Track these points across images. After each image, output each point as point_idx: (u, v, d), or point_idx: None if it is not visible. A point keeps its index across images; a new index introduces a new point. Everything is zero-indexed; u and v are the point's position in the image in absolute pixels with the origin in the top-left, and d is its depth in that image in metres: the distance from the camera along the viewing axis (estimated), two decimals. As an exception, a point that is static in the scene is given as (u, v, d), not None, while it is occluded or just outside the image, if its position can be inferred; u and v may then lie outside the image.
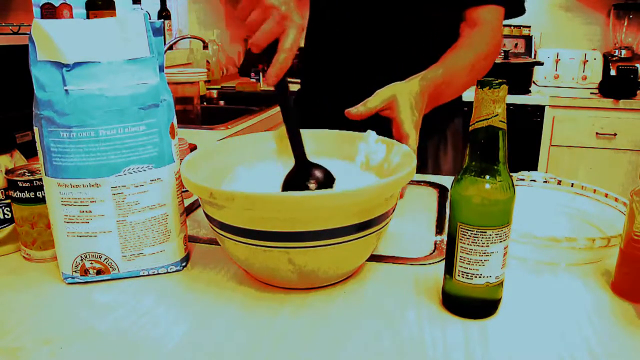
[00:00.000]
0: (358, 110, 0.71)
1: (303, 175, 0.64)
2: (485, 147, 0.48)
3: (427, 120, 0.81)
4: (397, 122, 0.70)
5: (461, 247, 0.49)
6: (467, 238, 0.49)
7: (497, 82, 0.46)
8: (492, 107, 0.46)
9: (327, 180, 0.64)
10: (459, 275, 0.50)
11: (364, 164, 0.68)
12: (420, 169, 1.02)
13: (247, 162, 0.70)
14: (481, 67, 0.91)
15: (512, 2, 0.98)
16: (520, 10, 1.01)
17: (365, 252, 0.57)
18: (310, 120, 0.77)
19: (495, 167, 0.48)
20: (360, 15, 0.99)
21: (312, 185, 0.63)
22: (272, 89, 0.64)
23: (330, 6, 1.04)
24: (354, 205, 0.51)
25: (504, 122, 0.47)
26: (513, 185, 0.49)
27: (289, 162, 0.71)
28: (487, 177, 0.48)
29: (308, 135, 0.71)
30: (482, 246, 0.48)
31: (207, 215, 0.56)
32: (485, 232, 0.48)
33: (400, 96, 0.72)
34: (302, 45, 0.73)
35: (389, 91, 0.73)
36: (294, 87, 1.22)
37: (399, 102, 0.71)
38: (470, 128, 0.48)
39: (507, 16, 0.97)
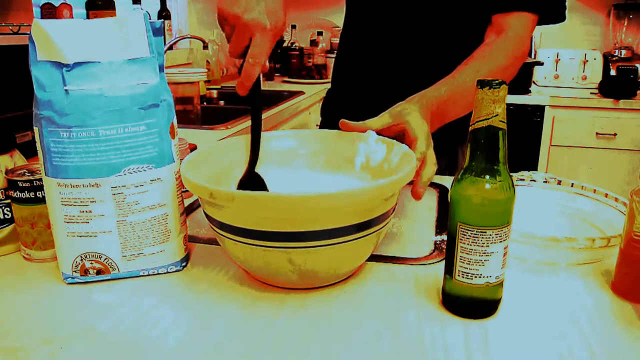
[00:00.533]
0: (357, 125, 0.70)
1: (255, 184, 0.66)
2: (485, 147, 0.48)
3: (445, 134, 0.79)
4: (407, 130, 0.68)
5: (461, 247, 0.49)
6: (467, 238, 0.49)
7: (497, 82, 0.46)
8: (492, 107, 0.46)
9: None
10: (459, 275, 0.50)
11: (364, 164, 0.68)
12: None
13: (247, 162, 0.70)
14: None
15: (548, 8, 0.91)
16: (560, 17, 0.93)
17: (365, 252, 0.57)
18: (338, 117, 0.76)
19: (496, 167, 0.48)
20: (391, 18, 0.99)
21: None
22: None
23: (362, 10, 1.04)
24: (354, 205, 0.51)
25: (504, 122, 0.47)
26: (513, 185, 0.49)
27: (289, 163, 0.70)
28: (487, 177, 0.48)
29: (308, 136, 0.71)
30: (482, 246, 0.48)
31: (207, 215, 0.56)
32: (485, 232, 0.48)
33: (408, 110, 0.70)
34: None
35: (391, 112, 0.71)
36: (299, 88, 1.23)
37: (406, 113, 0.69)
38: (470, 128, 0.48)
39: (544, 22, 0.91)
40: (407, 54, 0.99)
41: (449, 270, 0.51)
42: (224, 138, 0.81)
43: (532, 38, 0.92)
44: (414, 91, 0.77)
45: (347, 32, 1.11)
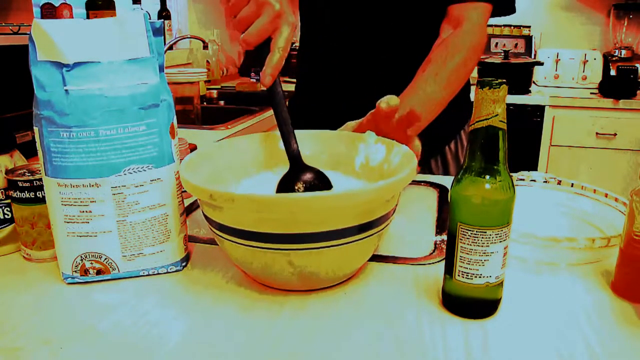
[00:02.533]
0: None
1: (297, 178, 0.63)
2: (485, 147, 0.48)
3: (432, 135, 0.78)
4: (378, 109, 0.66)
5: (461, 247, 0.49)
6: (467, 238, 0.49)
7: (497, 82, 0.46)
8: (492, 107, 0.46)
9: (323, 184, 0.63)
10: (459, 275, 0.50)
11: (363, 164, 0.68)
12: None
13: (247, 163, 0.69)
14: (459, 77, 0.85)
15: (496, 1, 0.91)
16: (510, 9, 0.95)
17: (366, 253, 0.57)
18: (304, 122, 0.76)
19: (495, 167, 0.48)
20: (350, 17, 0.97)
21: (301, 188, 0.62)
22: (264, 89, 0.64)
23: (320, 10, 1.02)
24: (355, 207, 0.51)
25: (504, 122, 0.47)
26: (513, 185, 0.49)
27: (275, 162, 0.70)
28: (487, 177, 0.48)
29: (307, 136, 0.71)
30: (482, 246, 0.48)
31: (206, 217, 0.56)
32: (485, 232, 0.48)
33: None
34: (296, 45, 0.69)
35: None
36: (289, 88, 1.23)
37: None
38: (470, 128, 0.48)
39: (496, 14, 0.91)
40: (369, 54, 0.98)
41: (449, 270, 0.51)
42: (223, 138, 0.81)
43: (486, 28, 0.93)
44: (378, 90, 0.74)
45: (306, 40, 1.09)
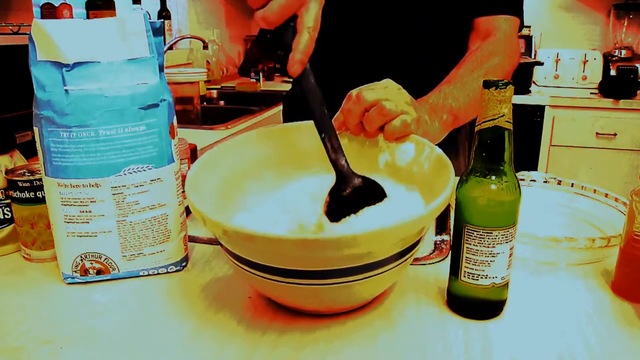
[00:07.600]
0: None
1: (349, 191, 0.55)
2: (491, 148, 0.48)
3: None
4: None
5: (467, 247, 0.49)
6: (473, 239, 0.49)
7: (503, 82, 0.45)
8: (498, 108, 0.46)
9: (378, 196, 0.56)
10: (464, 276, 0.50)
11: (389, 162, 0.62)
12: None
13: (256, 172, 0.63)
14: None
15: (522, 15, 0.91)
16: (522, 26, 0.95)
17: (399, 277, 0.53)
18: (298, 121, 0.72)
19: (501, 167, 0.48)
20: (362, 22, 0.95)
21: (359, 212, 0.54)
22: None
23: (331, 12, 0.99)
24: (402, 237, 0.46)
25: (510, 122, 0.47)
26: (519, 186, 0.49)
27: (293, 165, 0.65)
28: (493, 177, 0.48)
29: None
30: (488, 247, 0.48)
31: (222, 246, 0.50)
32: (491, 233, 0.48)
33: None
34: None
35: None
36: (286, 87, 1.20)
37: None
38: (477, 128, 0.48)
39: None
40: (383, 60, 0.94)
41: (455, 271, 0.51)
42: (222, 139, 0.81)
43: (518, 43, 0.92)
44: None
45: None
